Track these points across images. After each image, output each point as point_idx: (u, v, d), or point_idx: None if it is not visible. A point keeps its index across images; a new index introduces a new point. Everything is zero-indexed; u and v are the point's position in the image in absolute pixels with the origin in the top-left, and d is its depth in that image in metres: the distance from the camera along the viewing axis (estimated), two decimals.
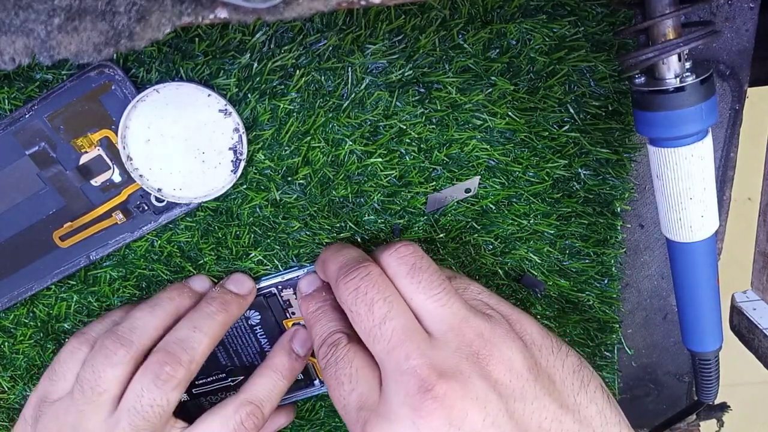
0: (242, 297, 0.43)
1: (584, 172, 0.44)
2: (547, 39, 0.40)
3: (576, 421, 0.33)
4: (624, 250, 0.48)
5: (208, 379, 0.48)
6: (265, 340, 0.47)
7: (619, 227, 0.46)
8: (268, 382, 0.44)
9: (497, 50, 0.40)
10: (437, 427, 0.31)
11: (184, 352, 0.39)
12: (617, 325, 0.50)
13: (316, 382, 0.49)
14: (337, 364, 0.36)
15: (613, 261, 0.48)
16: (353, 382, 0.35)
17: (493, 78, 0.40)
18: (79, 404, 0.39)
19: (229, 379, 0.48)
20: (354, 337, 0.38)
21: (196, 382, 0.48)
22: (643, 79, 0.36)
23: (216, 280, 0.45)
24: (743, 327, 0.50)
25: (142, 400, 0.38)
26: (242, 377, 0.48)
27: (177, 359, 0.39)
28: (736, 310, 0.51)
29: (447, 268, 0.44)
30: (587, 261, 0.47)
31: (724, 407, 0.48)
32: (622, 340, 0.52)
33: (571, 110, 0.42)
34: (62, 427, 0.40)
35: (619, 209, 0.46)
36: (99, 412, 0.39)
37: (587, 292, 0.48)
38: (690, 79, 0.34)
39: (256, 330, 0.46)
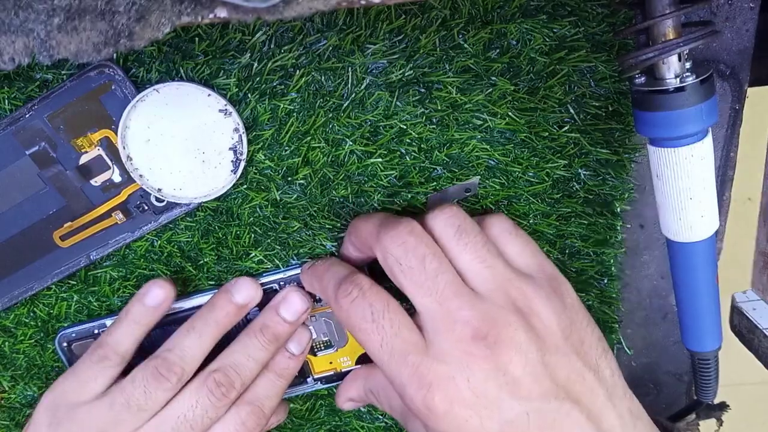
0: (292, 324, 0.44)
1: (584, 172, 0.44)
2: (547, 39, 0.40)
3: (596, 379, 0.36)
4: (624, 249, 0.48)
5: None
6: None
7: (618, 227, 0.46)
8: (266, 382, 0.44)
9: (497, 50, 0.40)
10: (487, 370, 0.34)
11: (238, 378, 0.42)
12: (617, 325, 0.50)
13: (309, 379, 0.49)
14: (370, 304, 0.37)
15: (612, 261, 0.48)
16: (395, 327, 0.36)
17: (493, 78, 0.40)
18: (120, 414, 0.41)
19: None
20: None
21: None
22: (643, 79, 0.36)
23: (221, 282, 0.45)
24: (743, 327, 0.50)
25: (195, 410, 0.41)
26: None
27: (231, 383, 0.42)
28: (736, 310, 0.51)
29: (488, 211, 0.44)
30: (587, 261, 0.47)
31: (723, 407, 0.48)
32: (622, 340, 0.52)
33: (572, 110, 0.42)
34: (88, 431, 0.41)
35: (618, 209, 0.46)
36: (137, 422, 0.41)
37: (587, 292, 0.48)
38: (690, 79, 0.34)
39: None
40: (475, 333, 0.35)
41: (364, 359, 0.48)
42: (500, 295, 0.36)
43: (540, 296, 0.37)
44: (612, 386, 0.37)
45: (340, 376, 0.49)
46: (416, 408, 0.35)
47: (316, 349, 0.48)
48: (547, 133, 0.42)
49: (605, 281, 0.48)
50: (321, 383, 0.49)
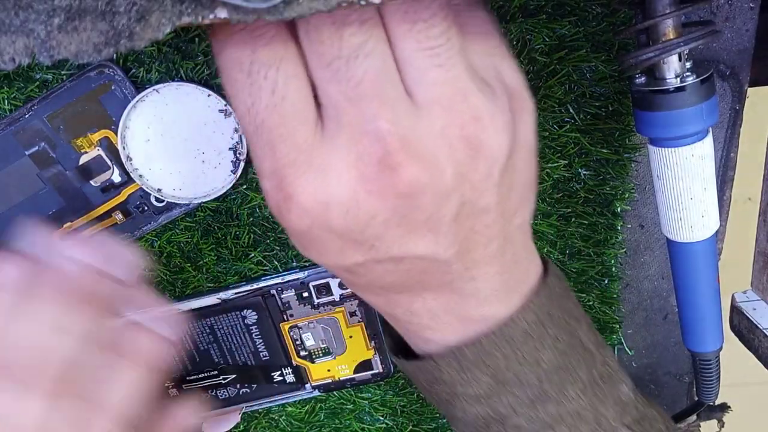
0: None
1: (584, 172, 0.44)
2: (547, 39, 0.40)
3: (503, 237, 0.29)
4: (624, 250, 0.48)
5: (200, 376, 0.48)
6: (260, 341, 0.47)
7: (619, 228, 0.46)
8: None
9: None
10: (379, 207, 0.25)
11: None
12: (617, 326, 0.50)
13: (308, 386, 0.49)
14: (253, 50, 0.23)
15: (613, 261, 0.48)
16: (278, 93, 0.24)
17: None
18: None
19: (221, 377, 0.48)
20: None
21: (187, 378, 0.48)
22: (643, 78, 0.36)
23: (221, 283, 0.45)
24: (743, 327, 0.50)
25: None
26: (234, 375, 0.48)
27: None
28: (736, 310, 0.51)
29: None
30: (587, 261, 0.47)
31: (724, 408, 0.48)
32: (622, 341, 0.52)
33: (571, 110, 0.42)
34: None
35: (619, 209, 0.46)
36: None
37: (587, 293, 0.48)
38: (690, 79, 0.34)
39: (252, 330, 0.46)
40: (383, 157, 0.24)
41: (363, 367, 0.48)
42: (443, 114, 0.25)
43: (496, 124, 0.26)
44: (525, 251, 0.31)
45: (339, 384, 0.49)
46: (270, 207, 0.27)
47: (314, 356, 0.48)
48: (547, 133, 0.42)
49: (606, 282, 0.48)
50: (319, 391, 0.49)
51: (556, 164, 0.43)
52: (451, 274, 0.29)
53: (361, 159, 0.24)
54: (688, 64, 0.35)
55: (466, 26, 0.26)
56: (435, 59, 0.24)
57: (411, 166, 0.24)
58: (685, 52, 0.34)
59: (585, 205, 0.45)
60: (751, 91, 0.45)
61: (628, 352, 0.52)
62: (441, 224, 0.27)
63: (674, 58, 0.34)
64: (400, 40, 0.24)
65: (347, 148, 0.25)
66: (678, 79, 0.35)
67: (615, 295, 0.49)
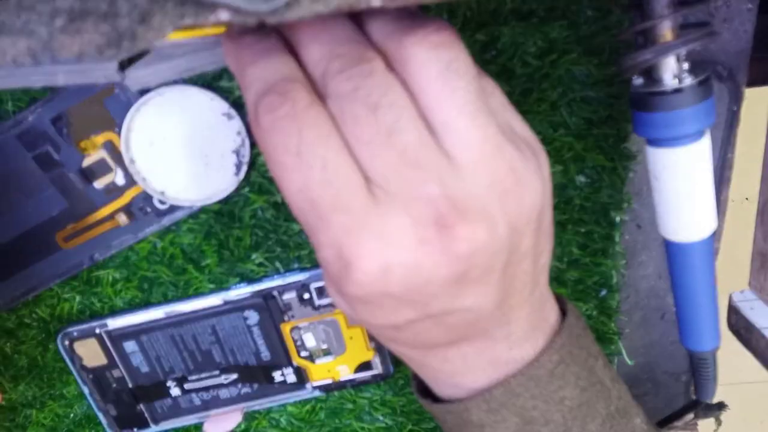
0: None
1: (580, 178, 0.44)
2: (539, 42, 0.40)
3: (533, 280, 0.30)
4: (624, 261, 0.48)
5: (201, 376, 0.48)
6: (262, 342, 0.47)
7: (617, 238, 0.46)
8: None
9: (493, 52, 0.40)
10: (439, 268, 0.26)
11: None
12: (616, 337, 0.50)
13: (308, 386, 0.49)
14: (299, 130, 0.24)
15: (613, 272, 0.48)
16: (328, 170, 0.24)
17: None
18: None
19: (222, 377, 0.48)
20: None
21: (189, 378, 0.48)
22: (641, 80, 0.36)
23: (222, 285, 0.45)
24: (741, 326, 0.50)
25: None
26: (235, 375, 0.48)
27: None
28: (733, 310, 0.51)
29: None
30: (584, 270, 0.47)
31: (722, 406, 0.48)
32: (622, 350, 0.52)
33: (564, 114, 0.42)
34: None
35: (617, 219, 0.46)
36: None
37: (585, 302, 0.49)
38: (688, 80, 0.34)
39: (253, 330, 0.47)
40: (438, 219, 0.25)
41: (363, 368, 0.48)
42: (485, 171, 0.25)
43: (528, 173, 0.27)
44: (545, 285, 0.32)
45: (339, 385, 0.49)
46: (328, 277, 0.27)
47: (314, 357, 0.48)
48: (541, 137, 0.42)
49: (604, 292, 0.48)
50: (319, 391, 0.49)
51: (552, 170, 0.43)
52: (491, 321, 0.30)
53: (418, 223, 0.25)
54: (685, 66, 0.35)
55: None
56: (474, 121, 0.25)
57: (467, 224, 0.25)
58: (683, 54, 0.35)
59: (582, 212, 0.45)
60: (749, 92, 0.45)
61: (628, 362, 0.52)
62: (492, 277, 0.27)
63: (672, 59, 0.34)
64: (440, 107, 0.25)
65: (402, 214, 0.25)
66: (676, 80, 0.35)
67: (615, 306, 0.49)
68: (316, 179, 0.25)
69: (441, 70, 0.25)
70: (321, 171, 0.24)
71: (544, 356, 0.32)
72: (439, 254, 0.25)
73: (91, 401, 0.49)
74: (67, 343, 0.46)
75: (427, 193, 0.25)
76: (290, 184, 0.25)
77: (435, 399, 0.35)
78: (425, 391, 0.36)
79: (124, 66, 0.26)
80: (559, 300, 0.35)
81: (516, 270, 0.28)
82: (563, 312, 0.35)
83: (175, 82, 0.38)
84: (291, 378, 0.49)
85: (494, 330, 0.30)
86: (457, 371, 0.32)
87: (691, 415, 0.48)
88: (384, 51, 0.25)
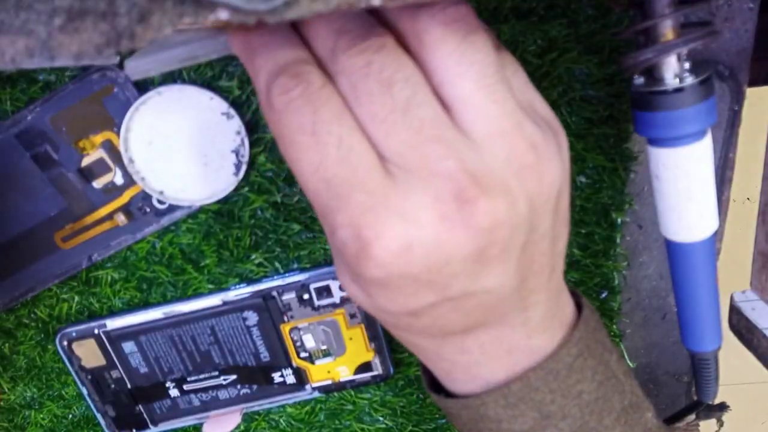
0: None
1: (582, 179, 0.44)
2: (539, 41, 0.40)
3: (551, 264, 0.30)
4: (626, 263, 0.48)
5: (200, 376, 0.48)
6: (261, 342, 0.47)
7: (618, 240, 0.46)
8: None
9: None
10: (461, 244, 0.25)
11: None
12: (618, 339, 0.50)
13: (308, 387, 0.49)
14: (314, 111, 0.24)
15: (615, 275, 0.47)
16: (343, 148, 0.24)
17: None
18: None
19: (221, 378, 0.48)
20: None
21: (188, 379, 0.48)
22: (642, 79, 0.36)
23: (222, 285, 0.45)
24: (742, 327, 0.50)
25: None
26: (234, 376, 0.48)
27: None
28: (735, 310, 0.51)
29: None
30: (585, 272, 0.47)
31: (723, 407, 0.48)
32: (623, 351, 0.52)
33: (565, 113, 0.42)
34: None
35: (619, 221, 0.45)
36: None
37: None
38: (689, 80, 0.34)
39: (252, 331, 0.46)
40: (459, 193, 0.24)
41: (363, 369, 0.48)
42: (504, 146, 0.25)
43: (549, 152, 0.27)
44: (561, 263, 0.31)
45: (339, 386, 0.49)
46: (347, 259, 0.26)
47: (314, 358, 0.48)
48: None
49: (605, 294, 0.48)
50: (319, 392, 0.49)
51: None
52: (509, 305, 0.29)
53: (437, 199, 0.24)
54: (687, 65, 0.35)
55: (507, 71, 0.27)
56: (492, 95, 0.25)
57: (488, 199, 0.25)
58: (684, 53, 0.35)
59: (582, 213, 0.45)
60: (750, 92, 0.45)
61: (629, 363, 0.52)
62: (512, 254, 0.27)
63: (673, 58, 0.34)
64: (457, 81, 0.25)
65: (421, 191, 0.25)
66: (677, 79, 0.35)
67: (616, 308, 0.49)
68: (333, 158, 0.24)
69: (458, 43, 0.24)
70: (337, 149, 0.24)
71: (563, 349, 0.31)
72: (460, 229, 0.25)
73: (90, 402, 0.49)
74: (65, 343, 0.46)
75: (446, 168, 0.24)
76: (306, 164, 0.25)
77: (447, 395, 0.35)
78: (437, 387, 0.35)
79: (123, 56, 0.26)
80: (573, 293, 0.35)
81: (534, 251, 0.28)
82: (578, 305, 0.34)
83: (175, 81, 0.38)
84: (290, 379, 0.49)
85: (512, 315, 0.30)
86: (475, 362, 0.32)
87: (692, 416, 0.48)
88: (396, 28, 0.25)
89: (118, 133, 0.38)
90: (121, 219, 0.42)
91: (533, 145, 0.26)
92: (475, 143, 0.25)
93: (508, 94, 0.25)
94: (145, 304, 0.46)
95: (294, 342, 0.47)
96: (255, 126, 0.40)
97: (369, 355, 0.48)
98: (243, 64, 0.27)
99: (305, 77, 0.24)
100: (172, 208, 0.42)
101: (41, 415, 0.50)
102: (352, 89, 0.25)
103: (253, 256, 0.44)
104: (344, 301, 0.45)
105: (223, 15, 0.22)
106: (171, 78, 0.38)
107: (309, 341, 0.47)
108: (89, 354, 0.46)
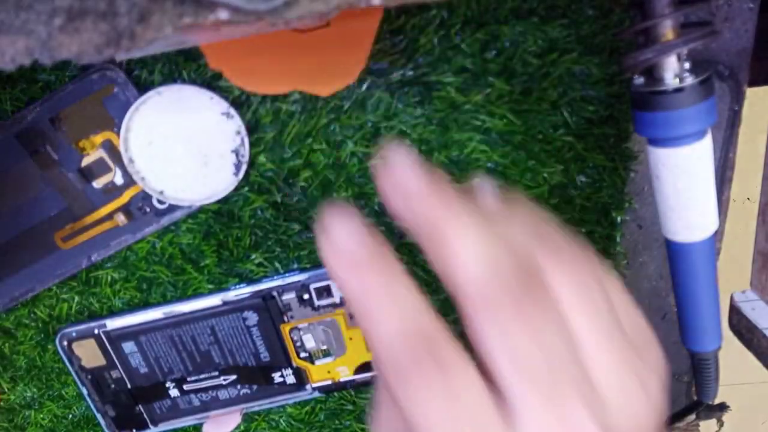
0: None
1: (581, 178, 0.44)
2: (539, 41, 0.40)
3: None
4: (626, 261, 0.48)
5: (201, 377, 0.48)
6: (261, 342, 0.47)
7: (618, 239, 0.46)
8: None
9: (493, 51, 0.40)
10: None
11: None
12: None
13: (308, 387, 0.49)
14: (455, 397, 0.21)
15: (614, 273, 0.47)
16: (479, 419, 0.22)
17: (491, 78, 0.40)
18: None
19: (221, 378, 0.48)
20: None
21: (188, 379, 0.48)
22: (642, 79, 0.36)
23: (222, 285, 0.45)
24: (742, 327, 0.50)
25: None
26: (234, 376, 0.48)
27: None
28: (735, 310, 0.51)
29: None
30: None
31: (723, 407, 0.48)
32: None
33: (565, 114, 0.42)
34: None
35: (618, 220, 0.45)
36: None
37: None
38: (689, 80, 0.34)
39: (252, 331, 0.46)
40: None
41: (363, 369, 0.48)
42: (630, 404, 0.24)
43: (655, 394, 0.26)
44: None
45: (339, 386, 0.49)
46: None
47: (314, 358, 0.48)
48: (542, 136, 0.42)
49: None
50: (319, 392, 0.49)
51: (552, 169, 0.43)
52: None
53: None
54: (687, 65, 0.35)
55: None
56: (629, 372, 0.24)
57: None
58: (684, 53, 0.35)
59: (582, 212, 0.45)
60: (750, 92, 0.45)
61: None
62: None
63: (673, 58, 0.34)
64: (594, 353, 0.24)
65: None
66: (677, 79, 0.35)
67: None
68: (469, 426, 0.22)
69: (593, 312, 0.24)
70: (471, 418, 0.22)
71: None
72: None
73: (90, 402, 0.49)
74: (65, 343, 0.46)
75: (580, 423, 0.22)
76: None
77: None
78: None
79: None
80: None
81: None
82: None
83: (175, 81, 0.38)
84: (290, 379, 0.48)
85: None
86: None
87: (692, 416, 0.48)
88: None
89: (118, 133, 0.38)
90: (121, 219, 0.41)
91: (649, 395, 0.25)
92: (607, 406, 0.24)
93: (639, 362, 0.25)
94: (145, 304, 0.46)
95: (294, 342, 0.47)
96: (255, 126, 0.40)
97: (369, 355, 0.48)
98: (341, 290, 0.25)
99: (439, 353, 0.22)
100: (172, 208, 0.42)
101: (41, 415, 0.50)
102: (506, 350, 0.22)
103: (253, 256, 0.44)
104: (344, 301, 0.45)
105: (223, 15, 0.22)
106: (171, 78, 0.38)
107: (309, 341, 0.47)
108: (89, 354, 0.46)
